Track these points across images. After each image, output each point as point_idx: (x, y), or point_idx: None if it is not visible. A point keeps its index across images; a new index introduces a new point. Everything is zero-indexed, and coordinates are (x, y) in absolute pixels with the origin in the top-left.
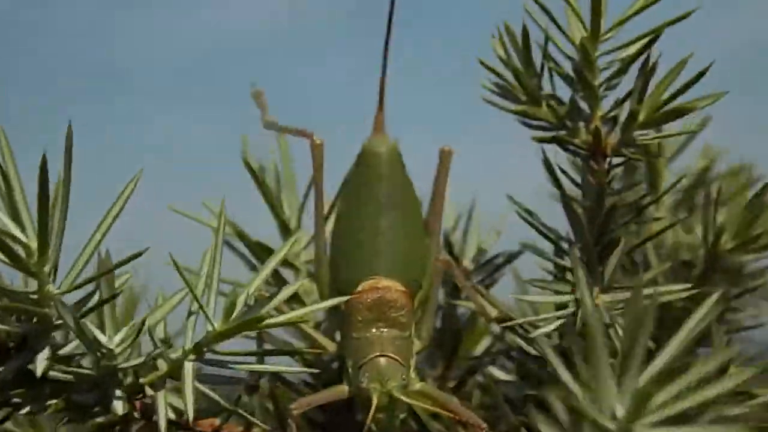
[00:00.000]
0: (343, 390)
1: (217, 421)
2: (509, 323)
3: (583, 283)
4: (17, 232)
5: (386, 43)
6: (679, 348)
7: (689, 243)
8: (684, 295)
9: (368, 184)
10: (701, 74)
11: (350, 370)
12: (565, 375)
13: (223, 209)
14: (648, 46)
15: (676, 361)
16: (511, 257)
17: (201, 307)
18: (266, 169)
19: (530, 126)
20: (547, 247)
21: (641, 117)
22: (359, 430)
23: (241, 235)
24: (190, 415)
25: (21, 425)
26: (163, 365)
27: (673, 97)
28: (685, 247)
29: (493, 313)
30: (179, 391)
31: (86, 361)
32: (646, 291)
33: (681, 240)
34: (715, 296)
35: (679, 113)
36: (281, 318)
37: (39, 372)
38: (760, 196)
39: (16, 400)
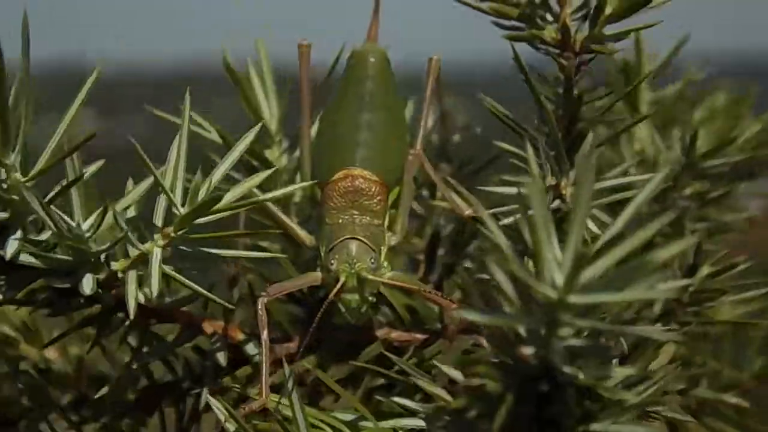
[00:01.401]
0: (316, 276)
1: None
2: (476, 215)
3: (533, 169)
4: None
5: None
6: (622, 225)
7: (669, 156)
8: (652, 187)
9: (355, 84)
10: None
11: (322, 254)
12: (502, 240)
13: (187, 102)
14: None
15: (619, 236)
16: (488, 162)
17: (166, 192)
18: (247, 73)
19: (503, 26)
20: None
21: (608, 10)
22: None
23: (221, 133)
24: (154, 292)
25: (15, 329)
26: (133, 251)
27: None
28: (665, 159)
29: (465, 208)
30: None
31: (58, 249)
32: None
33: (661, 154)
34: (658, 177)
35: (644, 3)
36: (242, 201)
37: (9, 255)
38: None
39: None
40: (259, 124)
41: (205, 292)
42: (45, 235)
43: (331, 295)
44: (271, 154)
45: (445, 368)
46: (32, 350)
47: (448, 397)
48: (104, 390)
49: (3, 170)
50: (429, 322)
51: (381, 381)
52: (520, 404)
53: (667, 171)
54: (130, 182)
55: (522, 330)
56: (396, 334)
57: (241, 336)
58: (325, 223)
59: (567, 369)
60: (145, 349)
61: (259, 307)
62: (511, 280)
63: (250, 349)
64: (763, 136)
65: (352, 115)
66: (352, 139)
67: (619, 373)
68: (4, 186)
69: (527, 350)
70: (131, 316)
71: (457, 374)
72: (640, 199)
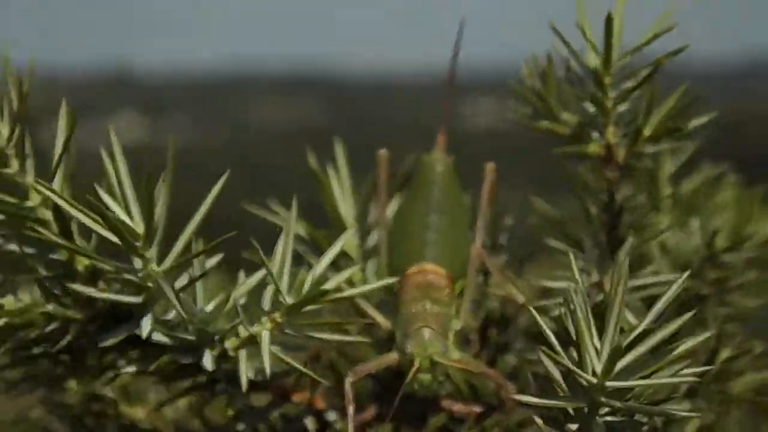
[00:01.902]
0: (394, 357)
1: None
2: (530, 306)
3: (575, 271)
4: (127, 220)
5: (451, 69)
6: (652, 319)
7: (690, 247)
8: (675, 285)
9: (424, 190)
10: (696, 99)
11: (398, 339)
12: (552, 338)
13: (293, 212)
14: (652, 74)
15: (649, 329)
16: (538, 250)
17: (276, 283)
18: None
19: (554, 142)
20: None
21: (646, 133)
22: (408, 398)
23: (309, 232)
24: (267, 371)
25: (116, 391)
26: (244, 332)
27: (673, 117)
28: (686, 250)
29: (520, 298)
30: (257, 357)
31: (182, 329)
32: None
33: (682, 244)
34: (684, 276)
35: (677, 130)
36: (341, 293)
37: (144, 334)
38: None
39: (122, 362)
40: (350, 230)
41: (304, 369)
42: (171, 315)
43: (410, 376)
44: (347, 244)
45: None
46: (131, 410)
47: None
48: None
49: (140, 261)
50: (485, 395)
51: None
52: None
53: (688, 273)
54: (242, 274)
55: (569, 409)
56: (458, 407)
57: (323, 405)
58: (401, 310)
59: None
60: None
61: (347, 386)
62: (558, 368)
63: (331, 416)
64: None
65: (422, 217)
66: (423, 238)
67: None
68: (141, 275)
69: (573, 427)
70: (244, 390)
71: None
72: (666, 298)
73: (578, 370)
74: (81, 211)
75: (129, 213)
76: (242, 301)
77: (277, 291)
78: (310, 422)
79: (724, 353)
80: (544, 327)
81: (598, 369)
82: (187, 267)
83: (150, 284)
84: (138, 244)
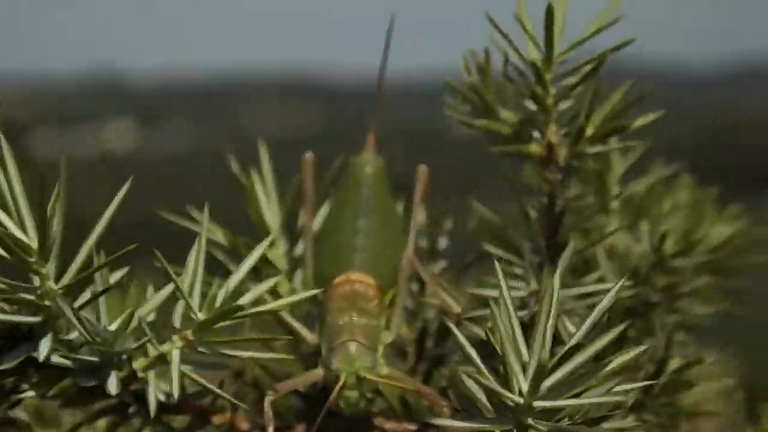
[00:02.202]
0: (318, 374)
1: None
2: (465, 317)
3: (501, 281)
4: (20, 235)
5: (381, 72)
6: (584, 334)
7: (639, 251)
8: (614, 292)
9: (352, 193)
10: (640, 97)
11: (324, 354)
12: (475, 359)
13: (205, 216)
14: (595, 70)
15: (579, 344)
16: (476, 258)
17: (185, 298)
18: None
19: (493, 140)
20: None
21: (589, 132)
22: (336, 416)
23: (229, 239)
24: (176, 393)
25: (29, 414)
26: (153, 352)
27: (616, 116)
28: (635, 254)
29: (455, 308)
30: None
31: (85, 349)
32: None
33: (631, 248)
34: (617, 286)
35: (621, 129)
36: (258, 308)
37: (42, 357)
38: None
39: (24, 386)
40: (270, 238)
41: (218, 391)
42: (72, 335)
43: (334, 394)
44: (273, 253)
45: None
46: None
47: None
48: None
49: (37, 278)
50: (419, 412)
51: None
52: None
53: (622, 283)
54: (150, 288)
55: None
56: (390, 424)
57: (245, 426)
58: (326, 323)
59: None
60: None
61: (266, 405)
62: (482, 388)
63: None
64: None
65: (350, 222)
66: (351, 245)
67: None
68: (38, 293)
69: None
70: (152, 415)
71: None
72: (599, 309)
73: (502, 390)
74: None
75: (23, 227)
76: (151, 317)
77: (188, 306)
78: None
79: (674, 363)
80: (465, 345)
81: (524, 388)
82: (89, 283)
83: (48, 303)
84: (32, 259)
